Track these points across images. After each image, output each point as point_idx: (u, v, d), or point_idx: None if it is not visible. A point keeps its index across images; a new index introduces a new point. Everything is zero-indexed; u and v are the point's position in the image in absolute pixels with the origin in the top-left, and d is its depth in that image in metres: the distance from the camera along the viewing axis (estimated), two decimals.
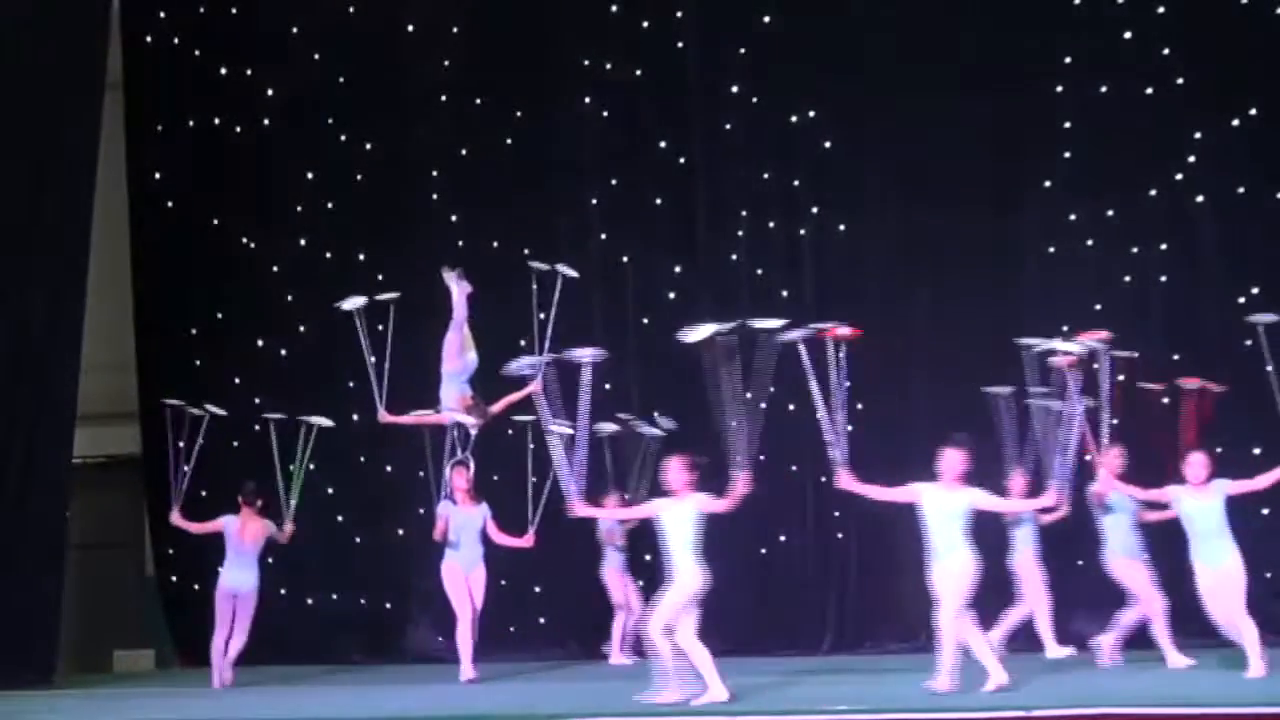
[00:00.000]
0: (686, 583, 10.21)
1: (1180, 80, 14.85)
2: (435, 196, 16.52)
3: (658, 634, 10.27)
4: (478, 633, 13.19)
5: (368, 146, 16.65)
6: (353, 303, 13.33)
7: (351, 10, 16.74)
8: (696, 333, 10.65)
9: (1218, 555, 10.92)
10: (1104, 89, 15.08)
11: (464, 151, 16.48)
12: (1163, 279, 14.78)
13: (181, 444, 15.47)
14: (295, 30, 16.90)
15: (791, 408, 15.33)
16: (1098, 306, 14.67)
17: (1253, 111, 14.78)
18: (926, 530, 10.46)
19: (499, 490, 13.79)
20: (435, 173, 16.57)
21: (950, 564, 10.37)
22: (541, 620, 15.61)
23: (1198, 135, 14.87)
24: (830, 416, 10.70)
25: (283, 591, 15.75)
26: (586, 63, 16.23)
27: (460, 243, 15.82)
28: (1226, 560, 10.91)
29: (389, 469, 15.93)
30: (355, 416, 14.95)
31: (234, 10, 17.05)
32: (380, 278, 15.01)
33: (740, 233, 15.87)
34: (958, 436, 10.65)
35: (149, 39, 17.17)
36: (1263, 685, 10.29)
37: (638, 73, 16.17)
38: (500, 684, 12.76)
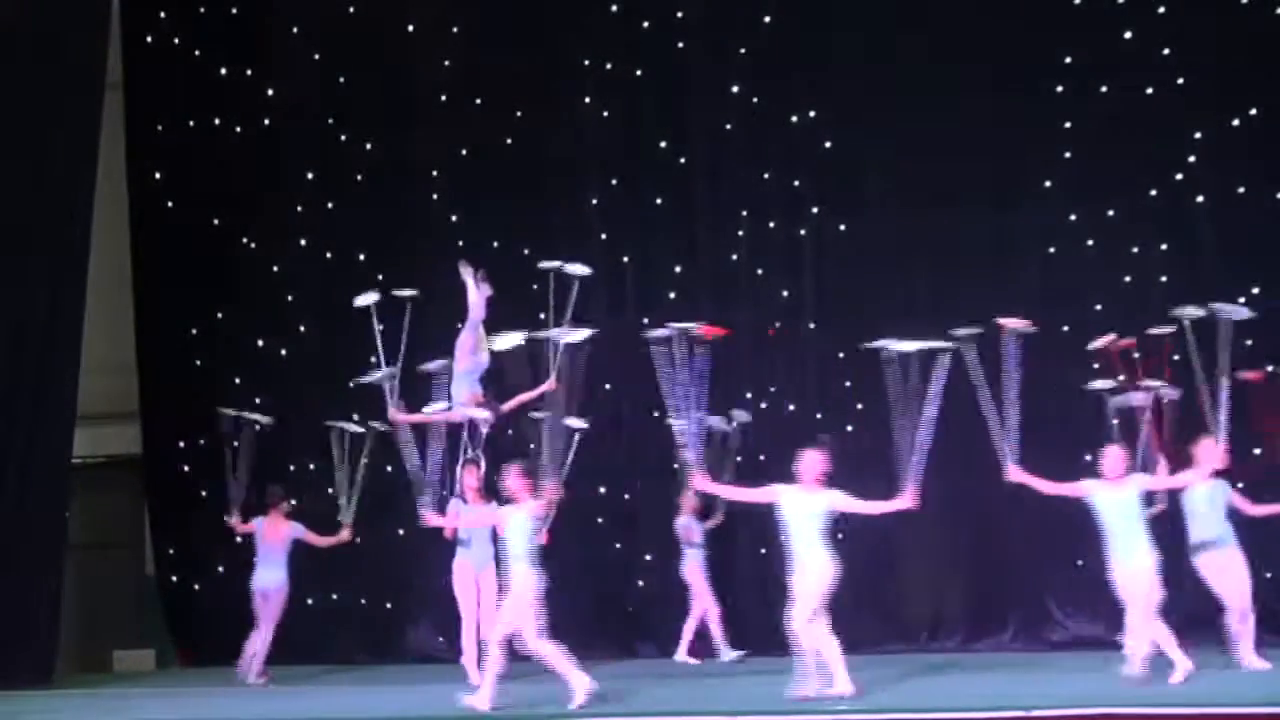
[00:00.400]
0: (522, 588, 10.45)
1: (1180, 80, 14.84)
2: (435, 196, 16.51)
3: (496, 641, 10.51)
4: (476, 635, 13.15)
5: (368, 146, 16.65)
6: (368, 298, 13.28)
7: (351, 10, 16.74)
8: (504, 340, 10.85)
9: (1129, 552, 10.64)
10: (1104, 89, 15.07)
11: (464, 151, 16.47)
12: (1163, 279, 14.77)
13: (173, 446, 15.49)
14: (295, 30, 16.90)
15: (791, 408, 15.41)
16: (1098, 306, 14.68)
17: (1253, 111, 14.77)
18: (785, 532, 10.51)
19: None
20: (435, 173, 16.56)
21: (808, 565, 10.39)
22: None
23: (1198, 135, 14.86)
24: (688, 418, 10.77)
25: None
26: (586, 63, 16.23)
27: (460, 243, 15.78)
28: (1138, 558, 10.62)
29: (389, 469, 15.91)
30: (355, 416, 14.93)
31: (234, 10, 17.05)
32: (380, 277, 14.97)
33: (740, 233, 15.87)
34: (820, 438, 10.80)
35: (149, 39, 17.17)
36: (1264, 685, 10.28)
37: (638, 73, 16.17)
38: (500, 684, 12.72)
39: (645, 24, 16.20)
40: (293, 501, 14.60)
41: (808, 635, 10.32)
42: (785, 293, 15.62)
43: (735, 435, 14.24)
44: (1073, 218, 15.11)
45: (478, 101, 16.42)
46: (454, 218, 16.38)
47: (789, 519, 10.49)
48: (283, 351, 16.63)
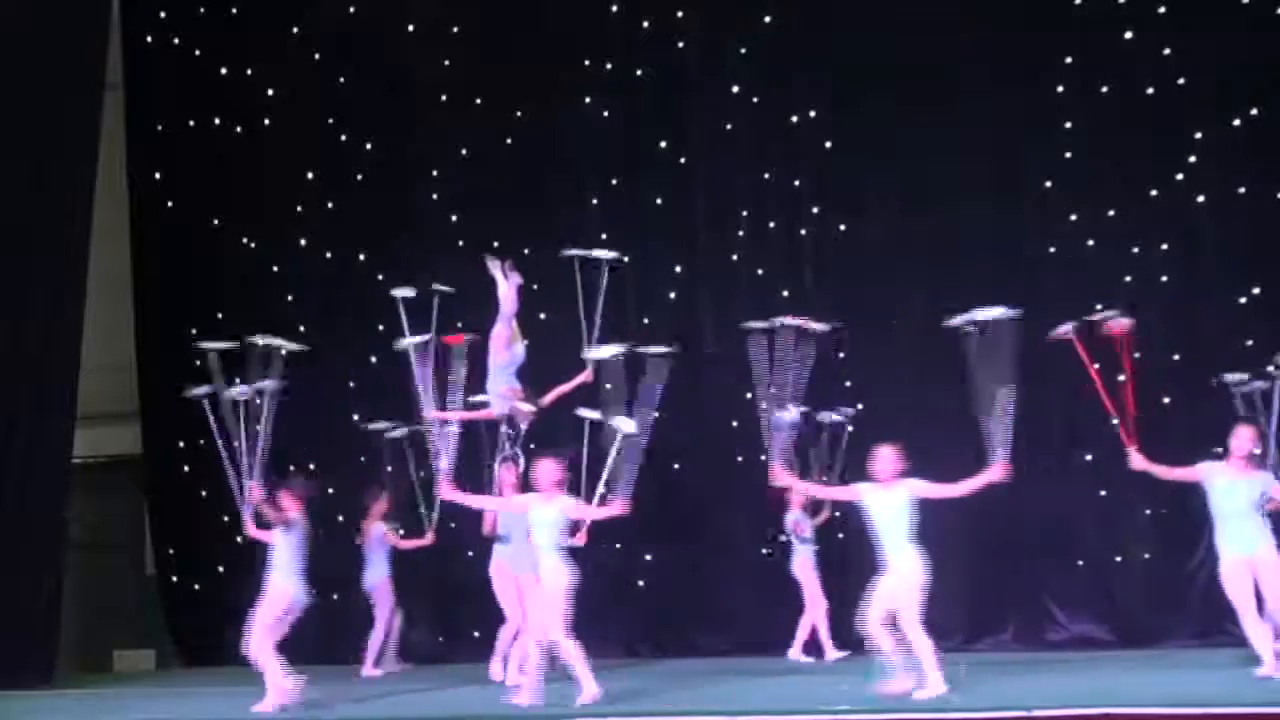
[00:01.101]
0: (278, 597, 11.10)
1: (1180, 80, 14.83)
2: (435, 196, 16.52)
3: (260, 646, 11.11)
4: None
5: (368, 146, 16.66)
6: (405, 291, 13.17)
7: (351, 10, 16.75)
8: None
9: (894, 557, 10.37)
10: (1104, 89, 15.07)
11: (464, 151, 16.48)
12: (1163, 279, 14.76)
13: (173, 446, 15.31)
14: (295, 30, 16.92)
15: (790, 407, 15.38)
16: (1098, 306, 14.64)
17: (1253, 111, 14.74)
18: (531, 539, 10.83)
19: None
20: (435, 173, 16.57)
21: (545, 571, 10.64)
22: None
23: (1198, 135, 14.84)
24: (442, 420, 11.33)
25: None
26: (586, 63, 16.23)
27: (460, 243, 15.80)
28: (902, 563, 10.35)
29: (389, 469, 15.93)
30: (355, 416, 14.95)
31: (234, 10, 17.07)
32: (380, 277, 15.01)
33: (740, 233, 15.87)
34: (558, 450, 11.08)
35: (149, 39, 17.19)
36: (1264, 685, 10.27)
37: (638, 73, 16.17)
38: (502, 685, 12.74)
39: (645, 24, 16.20)
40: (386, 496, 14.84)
41: (559, 644, 10.57)
42: (785, 293, 15.61)
43: (843, 428, 14.07)
44: (1073, 218, 15.09)
45: (478, 101, 16.43)
46: (454, 218, 16.38)
47: (532, 526, 10.77)
48: (283, 352, 16.61)
